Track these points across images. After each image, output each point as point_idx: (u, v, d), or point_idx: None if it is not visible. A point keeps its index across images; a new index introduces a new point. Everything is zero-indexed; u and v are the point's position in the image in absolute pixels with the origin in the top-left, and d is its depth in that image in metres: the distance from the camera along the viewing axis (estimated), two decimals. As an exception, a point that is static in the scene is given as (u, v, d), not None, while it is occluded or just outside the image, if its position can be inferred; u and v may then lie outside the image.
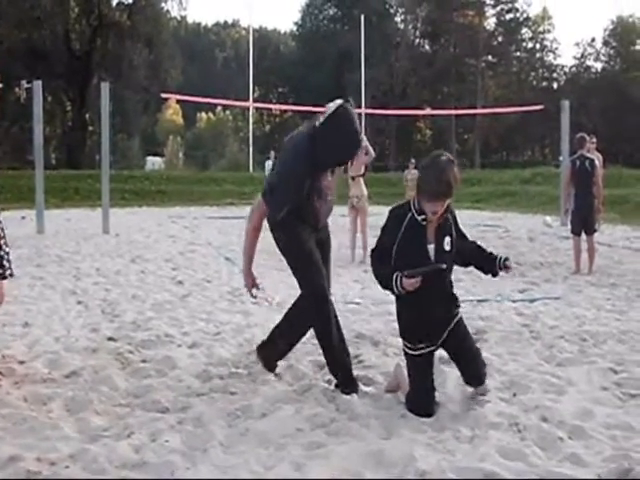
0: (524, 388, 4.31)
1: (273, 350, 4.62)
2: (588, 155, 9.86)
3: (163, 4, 50.88)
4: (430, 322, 3.88)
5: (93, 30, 47.77)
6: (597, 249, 10.15)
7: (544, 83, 64.28)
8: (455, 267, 4.03)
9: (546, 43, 63.99)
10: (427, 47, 63.24)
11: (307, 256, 4.31)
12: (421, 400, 3.85)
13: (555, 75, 65.09)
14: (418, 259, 3.75)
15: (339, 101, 4.25)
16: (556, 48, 65.98)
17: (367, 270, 9.75)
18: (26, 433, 3.55)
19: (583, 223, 9.63)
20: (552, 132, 47.36)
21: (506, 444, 3.42)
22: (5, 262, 4.43)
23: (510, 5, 60.57)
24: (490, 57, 61.73)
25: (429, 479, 3.06)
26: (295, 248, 4.33)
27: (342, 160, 4.41)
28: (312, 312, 4.36)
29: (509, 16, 61.27)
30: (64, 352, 5.12)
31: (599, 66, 63.26)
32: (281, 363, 4.80)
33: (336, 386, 4.29)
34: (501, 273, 4.14)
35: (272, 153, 23.61)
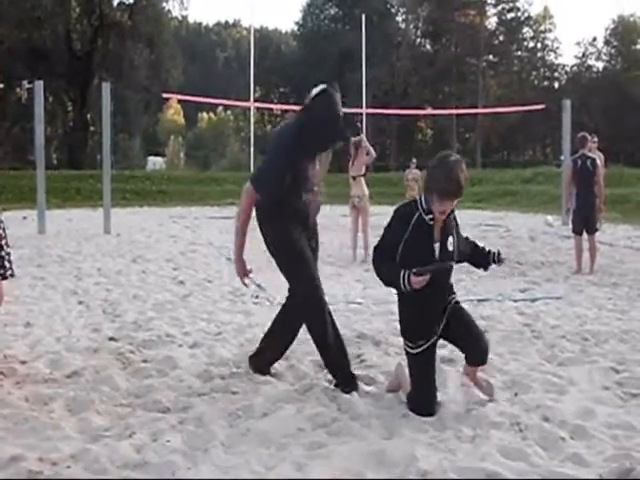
0: (525, 388, 4.31)
1: (264, 360, 4.63)
2: (590, 154, 9.85)
3: (164, 4, 50.89)
4: (430, 319, 3.89)
5: (94, 30, 47.76)
6: (598, 248, 10.14)
7: (545, 82, 64.22)
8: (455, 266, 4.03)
9: (547, 42, 63.94)
10: (428, 47, 63.18)
11: (299, 254, 4.29)
12: (423, 400, 3.85)
13: (556, 74, 65.02)
14: (425, 258, 3.76)
15: (322, 86, 4.28)
16: (557, 47, 66.16)
17: (369, 270, 9.74)
18: (28, 433, 3.55)
19: (584, 222, 9.63)
20: (553, 131, 47.45)
21: (508, 444, 3.42)
22: (6, 262, 4.43)
23: (511, 4, 60.52)
24: (491, 56, 61.67)
25: (431, 479, 3.06)
26: (286, 246, 4.31)
27: (324, 144, 4.38)
28: (306, 312, 4.35)
29: (510, 15, 61.21)
30: (65, 352, 5.12)
31: (600, 65, 63.25)
32: (282, 363, 4.80)
33: (335, 385, 4.29)
34: (494, 266, 4.15)
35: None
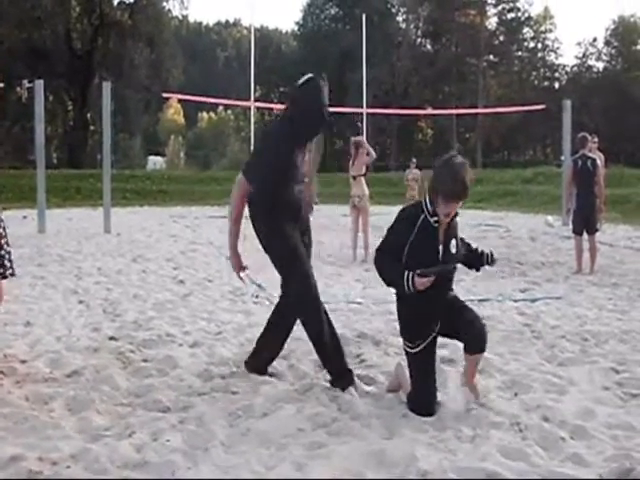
0: (525, 388, 4.31)
1: (261, 361, 4.63)
2: (590, 155, 9.85)
3: (164, 3, 50.91)
4: (430, 319, 3.88)
5: (94, 29, 47.77)
6: (599, 249, 10.14)
7: (546, 83, 64.20)
8: None
9: (548, 43, 63.90)
10: (429, 46, 63.16)
11: (292, 251, 4.30)
12: (422, 400, 3.85)
13: (557, 75, 64.99)
14: (429, 260, 3.76)
15: (309, 75, 4.32)
16: (558, 48, 65.96)
17: (369, 269, 9.75)
18: (28, 432, 3.55)
19: (585, 223, 9.63)
20: (554, 132, 47.45)
21: (507, 444, 3.42)
22: (6, 262, 4.43)
23: (512, 4, 60.50)
24: (492, 57, 61.64)
25: (431, 479, 3.06)
26: (279, 242, 4.31)
27: (309, 132, 4.37)
28: (301, 309, 4.36)
29: (511, 15, 61.19)
30: (65, 351, 5.12)
31: (601, 66, 63.22)
32: (282, 363, 4.81)
33: (331, 383, 4.30)
34: (487, 267, 4.15)
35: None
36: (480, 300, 7.21)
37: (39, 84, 15.77)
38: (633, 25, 61.78)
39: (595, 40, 63.42)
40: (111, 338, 5.55)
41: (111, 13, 48.35)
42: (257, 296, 7.57)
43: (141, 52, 48.72)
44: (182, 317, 6.46)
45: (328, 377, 4.43)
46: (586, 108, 49.42)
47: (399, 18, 63.56)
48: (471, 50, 58.23)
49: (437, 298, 3.84)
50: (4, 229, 4.48)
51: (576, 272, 9.47)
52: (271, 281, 7.33)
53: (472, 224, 16.43)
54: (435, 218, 3.77)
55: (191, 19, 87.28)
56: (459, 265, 4.11)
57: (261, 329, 4.75)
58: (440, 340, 4.04)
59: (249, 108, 33.70)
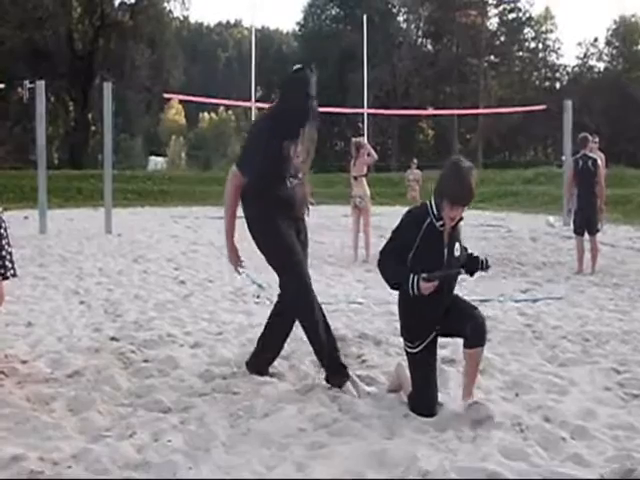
0: (526, 388, 4.31)
1: (262, 362, 4.63)
2: (591, 155, 9.85)
3: (166, 4, 50.89)
4: (432, 321, 3.88)
5: (95, 30, 47.79)
6: (600, 249, 10.13)
7: (547, 83, 64.16)
8: None
9: (549, 43, 63.84)
10: (429, 47, 63.11)
11: (287, 249, 4.31)
12: (423, 400, 3.85)
13: (558, 75, 64.95)
14: (434, 263, 3.76)
15: (298, 65, 4.40)
16: (559, 48, 65.86)
17: (370, 270, 9.76)
18: (29, 433, 3.55)
19: (586, 223, 9.63)
20: (555, 132, 47.34)
21: (508, 444, 3.42)
22: (8, 262, 4.44)
23: (512, 5, 60.47)
24: (492, 57, 61.62)
25: (431, 479, 3.06)
26: (274, 241, 4.33)
27: (294, 122, 4.36)
28: (297, 307, 4.37)
29: (511, 16, 61.14)
30: (67, 352, 5.12)
31: (602, 66, 63.16)
32: (283, 363, 4.81)
33: (326, 380, 4.32)
34: (481, 273, 4.15)
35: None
36: (481, 300, 7.21)
37: (40, 85, 15.77)
38: (634, 25, 61.73)
39: (596, 40, 63.44)
40: (112, 338, 5.56)
41: (112, 14, 48.37)
42: (258, 296, 7.58)
43: (142, 53, 48.71)
44: (183, 317, 6.47)
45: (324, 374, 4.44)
46: (587, 108, 49.37)
47: (400, 18, 63.51)
48: (472, 50, 58.20)
49: (440, 301, 3.83)
50: (5, 230, 4.49)
51: (577, 272, 9.47)
52: (272, 281, 7.34)
53: (473, 224, 16.42)
54: (441, 222, 3.77)
55: (192, 20, 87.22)
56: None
57: (262, 329, 4.76)
58: (440, 340, 4.04)
59: (250, 109, 33.72)
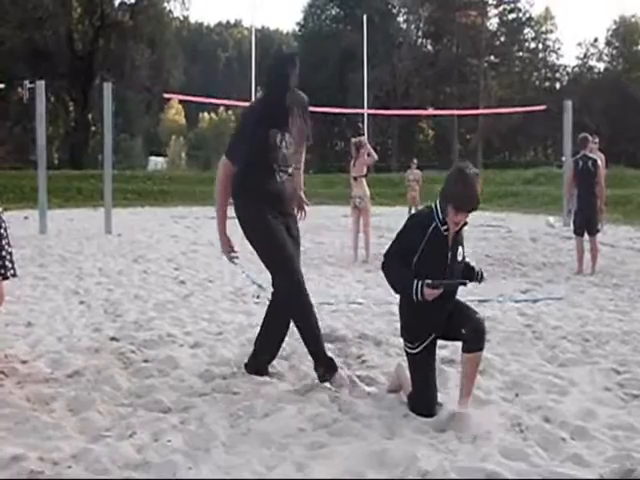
0: (526, 388, 4.31)
1: (261, 362, 4.64)
2: (591, 155, 9.85)
3: (166, 4, 50.96)
4: (431, 324, 3.88)
5: (96, 30, 47.82)
6: (600, 249, 10.14)
7: (547, 83, 64.18)
8: None
9: (549, 43, 63.86)
10: (429, 47, 63.13)
11: (279, 244, 4.35)
12: (423, 400, 3.85)
13: (558, 75, 64.96)
14: (437, 268, 3.76)
15: (282, 53, 4.51)
16: (559, 48, 65.91)
17: (370, 270, 9.76)
18: (29, 433, 3.55)
19: (586, 223, 9.63)
20: (555, 132, 47.34)
21: (508, 444, 3.42)
22: (8, 262, 4.44)
23: (512, 5, 60.48)
24: (492, 57, 61.63)
25: (431, 479, 3.06)
26: (265, 236, 4.37)
27: (278, 111, 4.40)
28: (289, 301, 4.40)
29: (511, 16, 61.16)
30: (66, 352, 5.12)
31: (602, 66, 63.19)
32: (283, 363, 4.81)
33: (319, 376, 4.35)
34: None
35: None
36: (481, 301, 7.21)
37: (40, 85, 15.78)
38: (634, 25, 61.74)
39: (596, 40, 63.47)
40: (112, 338, 5.55)
41: (112, 14, 48.41)
42: (258, 296, 7.58)
43: (142, 53, 48.75)
44: (183, 317, 6.47)
45: (316, 373, 4.44)
46: (587, 109, 49.38)
47: (400, 19, 63.54)
48: (472, 51, 58.21)
49: (442, 306, 3.82)
50: (5, 230, 4.49)
51: (577, 273, 9.47)
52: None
53: (473, 225, 16.40)
54: (445, 227, 3.77)
55: (192, 20, 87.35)
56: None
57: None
58: (440, 340, 4.04)
59: (250, 109, 33.72)
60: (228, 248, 4.54)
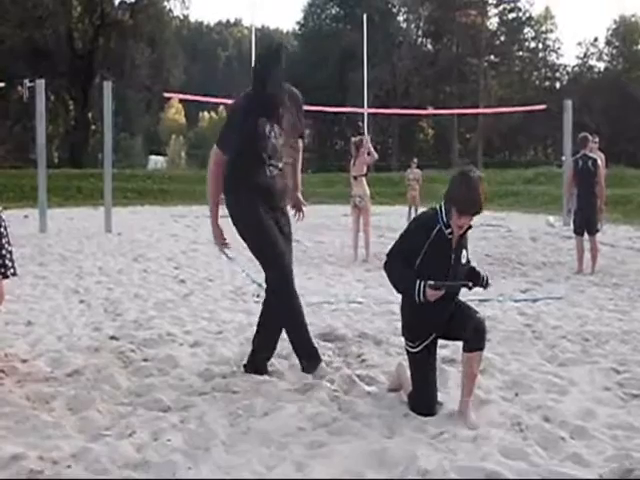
0: (526, 388, 4.31)
1: (260, 361, 4.65)
2: (591, 155, 9.85)
3: (166, 3, 50.88)
4: (433, 323, 3.88)
5: (95, 29, 47.79)
6: (600, 249, 10.14)
7: (547, 83, 64.15)
8: None
9: (549, 43, 63.82)
10: (429, 46, 63.09)
11: (270, 239, 4.40)
12: (423, 399, 3.85)
13: (558, 75, 64.93)
14: (441, 270, 3.76)
15: (269, 45, 4.62)
16: (559, 48, 65.86)
17: (370, 269, 9.76)
18: (28, 432, 3.55)
19: (586, 223, 9.63)
20: (555, 132, 47.34)
21: (508, 444, 3.42)
22: (8, 261, 4.44)
23: (512, 5, 60.45)
24: (492, 57, 61.60)
25: (431, 479, 3.06)
26: (256, 231, 4.42)
27: (267, 101, 4.43)
28: (277, 294, 4.45)
29: (511, 15, 61.13)
30: (66, 351, 5.12)
31: (602, 66, 63.15)
32: (283, 362, 4.81)
33: (303, 368, 4.43)
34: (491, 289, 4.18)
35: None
36: (481, 300, 7.20)
37: (40, 84, 15.77)
38: (634, 25, 61.71)
39: (596, 40, 63.42)
40: (112, 337, 5.56)
41: (112, 13, 48.37)
42: (258, 295, 7.57)
43: (142, 52, 48.72)
44: (183, 316, 6.47)
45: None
46: (587, 108, 49.36)
47: (400, 18, 63.50)
48: (472, 50, 58.19)
49: (444, 307, 3.82)
50: (5, 228, 4.49)
51: (577, 272, 9.47)
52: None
53: (474, 224, 16.38)
54: (449, 230, 3.77)
55: (192, 19, 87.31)
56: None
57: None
58: (441, 340, 4.04)
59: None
60: (220, 239, 4.61)
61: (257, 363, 4.62)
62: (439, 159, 54.44)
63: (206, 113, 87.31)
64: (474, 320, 3.78)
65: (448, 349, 4.95)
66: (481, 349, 3.81)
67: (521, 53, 63.81)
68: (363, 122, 14.40)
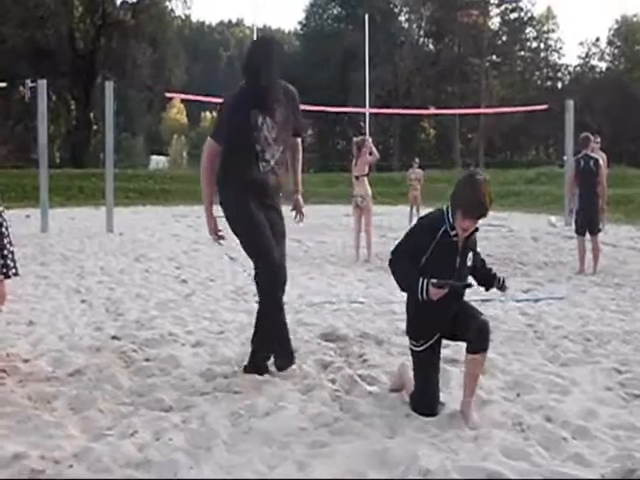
0: (528, 388, 4.31)
1: (259, 362, 4.65)
2: (592, 155, 9.84)
3: (167, 3, 50.96)
4: (437, 323, 3.88)
5: (97, 29, 47.84)
6: (601, 249, 10.12)
7: (548, 83, 64.13)
8: None
9: (550, 42, 63.81)
10: (431, 46, 63.11)
11: (260, 234, 4.43)
12: (425, 399, 3.85)
13: (559, 75, 64.91)
14: (445, 271, 3.75)
15: (259, 38, 4.74)
16: (560, 48, 65.90)
17: (371, 269, 9.77)
18: (30, 431, 3.55)
19: (587, 223, 9.62)
20: (556, 132, 47.27)
21: (510, 444, 3.42)
22: (9, 261, 4.45)
23: (514, 4, 60.44)
24: (494, 57, 61.60)
25: (432, 479, 3.06)
26: (247, 226, 4.45)
27: (258, 93, 4.45)
28: (261, 288, 4.48)
29: (513, 15, 61.15)
30: (68, 351, 5.13)
31: (603, 66, 63.12)
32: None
33: (275, 362, 4.51)
34: (494, 290, 4.14)
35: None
36: (483, 300, 7.19)
37: (42, 84, 15.79)
38: (636, 25, 61.65)
39: (598, 40, 63.42)
40: (113, 337, 5.56)
41: (114, 13, 48.42)
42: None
43: (144, 52, 48.76)
44: (184, 316, 6.47)
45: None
46: (589, 108, 49.33)
47: (402, 18, 63.49)
48: (474, 50, 58.20)
49: (447, 306, 3.82)
50: (7, 228, 4.49)
51: (579, 272, 9.46)
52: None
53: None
54: (455, 231, 3.77)
55: (194, 19, 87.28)
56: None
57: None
58: (443, 340, 4.03)
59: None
60: (214, 229, 4.65)
61: (257, 363, 4.62)
62: (441, 159, 54.40)
63: (208, 113, 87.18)
64: (478, 321, 3.77)
65: (450, 349, 4.94)
66: (484, 350, 3.80)
67: (523, 53, 63.81)
68: (365, 122, 14.42)
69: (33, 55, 41.41)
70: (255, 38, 4.83)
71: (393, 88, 55.88)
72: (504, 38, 61.89)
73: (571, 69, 64.26)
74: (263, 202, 4.51)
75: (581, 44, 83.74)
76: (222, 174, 4.52)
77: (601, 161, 9.89)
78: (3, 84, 18.65)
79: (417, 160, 20.40)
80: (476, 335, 3.76)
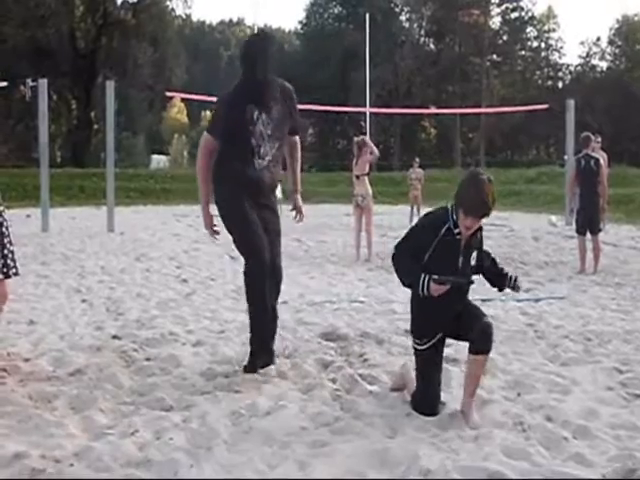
0: (529, 388, 4.31)
1: (259, 361, 4.64)
2: (593, 154, 9.84)
3: (168, 2, 51.00)
4: (440, 322, 3.87)
5: (98, 28, 47.86)
6: (602, 249, 10.12)
7: (549, 82, 64.11)
8: None
9: (551, 42, 63.80)
10: (432, 46, 63.10)
11: (252, 232, 4.45)
12: (427, 399, 3.84)
13: (560, 74, 64.89)
14: (447, 269, 3.74)
15: (255, 35, 4.79)
16: (561, 47, 65.98)
17: (372, 269, 9.77)
18: (31, 431, 3.55)
19: (588, 222, 9.62)
20: (557, 131, 47.28)
21: (510, 443, 3.41)
22: (10, 261, 4.45)
23: (515, 4, 60.43)
24: (495, 56, 61.62)
25: (433, 479, 3.06)
26: (240, 223, 4.48)
27: (253, 88, 4.49)
28: (248, 285, 4.51)
29: (514, 15, 61.15)
30: (69, 350, 5.13)
31: (604, 65, 63.11)
32: (285, 362, 4.80)
33: (258, 362, 4.53)
34: (507, 290, 4.12)
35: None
36: (483, 300, 7.18)
37: (43, 83, 15.79)
38: (637, 24, 61.61)
39: (599, 39, 63.41)
40: (114, 337, 5.56)
41: (115, 12, 48.45)
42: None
43: (145, 51, 48.78)
44: (185, 316, 6.47)
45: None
46: (589, 108, 49.31)
47: (402, 17, 63.48)
48: (474, 50, 58.21)
49: (450, 305, 3.81)
50: (7, 228, 4.49)
51: (579, 272, 9.46)
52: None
53: (475, 224, 16.39)
54: (458, 230, 3.77)
55: (194, 18, 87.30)
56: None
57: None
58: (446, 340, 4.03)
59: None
60: (210, 223, 4.70)
61: (257, 364, 4.62)
62: (441, 159, 54.45)
63: (208, 112, 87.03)
64: (482, 322, 3.77)
65: (451, 348, 4.93)
66: (487, 351, 3.79)
67: (523, 52, 63.80)
68: (365, 121, 14.42)
69: (34, 54, 41.42)
70: (249, 36, 4.84)
71: (394, 87, 55.89)
72: (505, 38, 61.90)
73: (572, 68, 64.28)
74: (257, 201, 4.53)
75: (582, 43, 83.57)
76: (218, 171, 4.56)
77: (602, 161, 9.89)
78: (4, 83, 18.66)
79: (418, 160, 20.40)
80: (479, 336, 3.75)
